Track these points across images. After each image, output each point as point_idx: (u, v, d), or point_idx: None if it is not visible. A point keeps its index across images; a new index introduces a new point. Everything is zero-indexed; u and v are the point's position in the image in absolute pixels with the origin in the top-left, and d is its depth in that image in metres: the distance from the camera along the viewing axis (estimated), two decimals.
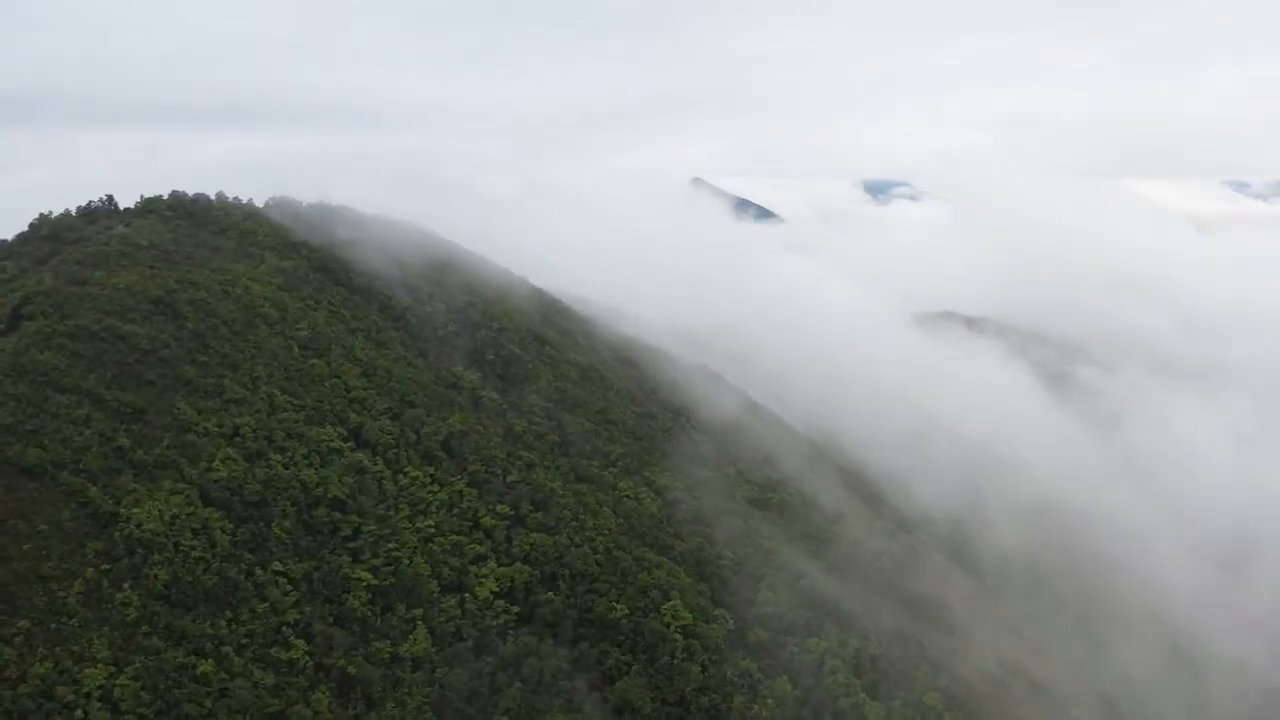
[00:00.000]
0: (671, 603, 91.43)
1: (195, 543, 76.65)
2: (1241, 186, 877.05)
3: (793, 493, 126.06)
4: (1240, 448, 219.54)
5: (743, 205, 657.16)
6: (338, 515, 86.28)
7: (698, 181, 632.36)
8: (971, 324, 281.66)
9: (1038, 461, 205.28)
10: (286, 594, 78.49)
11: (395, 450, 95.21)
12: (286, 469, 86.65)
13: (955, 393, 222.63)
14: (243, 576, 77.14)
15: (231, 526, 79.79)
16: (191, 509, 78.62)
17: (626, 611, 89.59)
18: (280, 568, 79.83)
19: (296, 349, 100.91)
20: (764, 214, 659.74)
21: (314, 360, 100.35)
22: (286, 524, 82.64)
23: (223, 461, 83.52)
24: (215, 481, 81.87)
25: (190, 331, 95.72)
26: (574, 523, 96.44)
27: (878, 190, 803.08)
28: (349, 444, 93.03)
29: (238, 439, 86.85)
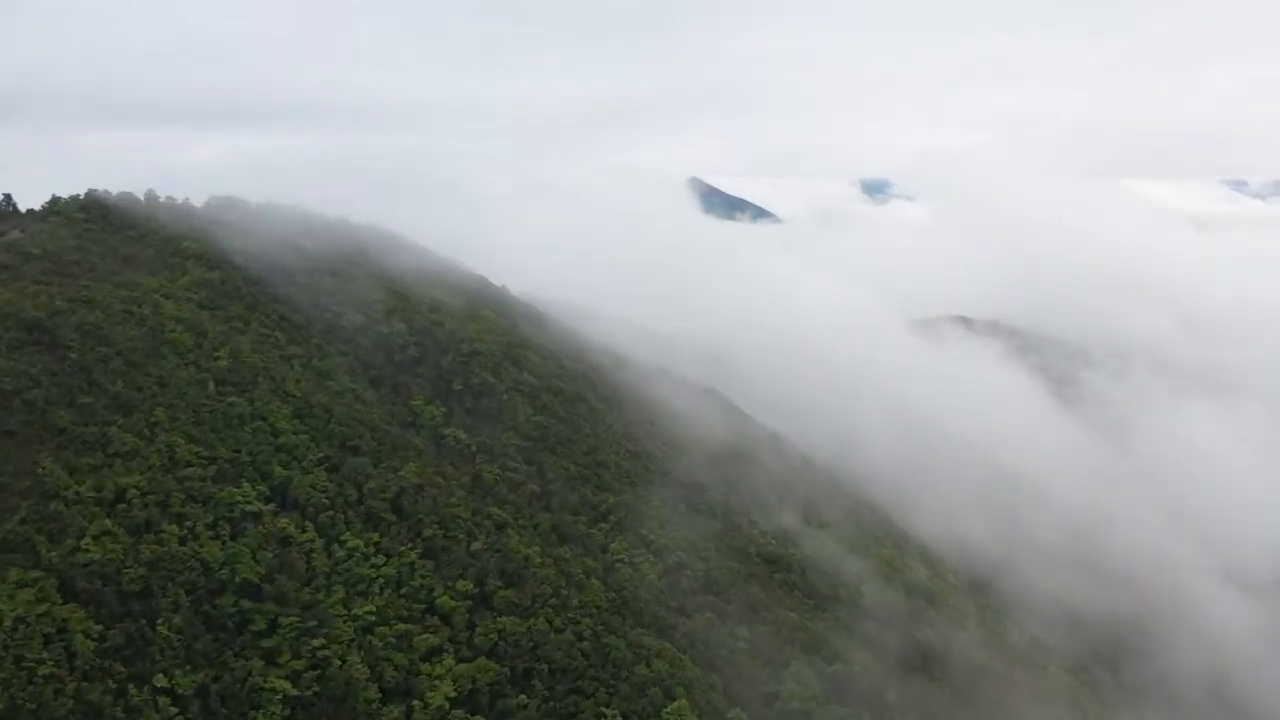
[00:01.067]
0: (676, 703, 72.70)
1: (46, 654, 57.67)
2: (1240, 186, 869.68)
3: (812, 544, 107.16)
4: (1260, 460, 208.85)
5: (740, 205, 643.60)
6: (248, 604, 67.24)
7: (695, 181, 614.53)
8: (975, 327, 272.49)
9: (1057, 482, 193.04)
10: (171, 719, 59.57)
11: (330, 513, 76.16)
12: (183, 544, 67.59)
13: (966, 403, 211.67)
14: (110, 698, 58.14)
15: (100, 628, 60.75)
16: (45, 606, 59.57)
17: (619, 717, 70.85)
18: (164, 682, 60.83)
19: (212, 384, 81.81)
20: (761, 213, 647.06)
21: (233, 398, 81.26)
22: (177, 620, 63.61)
23: (97, 539, 64.47)
24: (84, 566, 62.80)
25: (73, 365, 76.53)
26: (554, 600, 77.53)
27: (876, 190, 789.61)
28: (270, 506, 73.97)
29: (121, 506, 67.74)
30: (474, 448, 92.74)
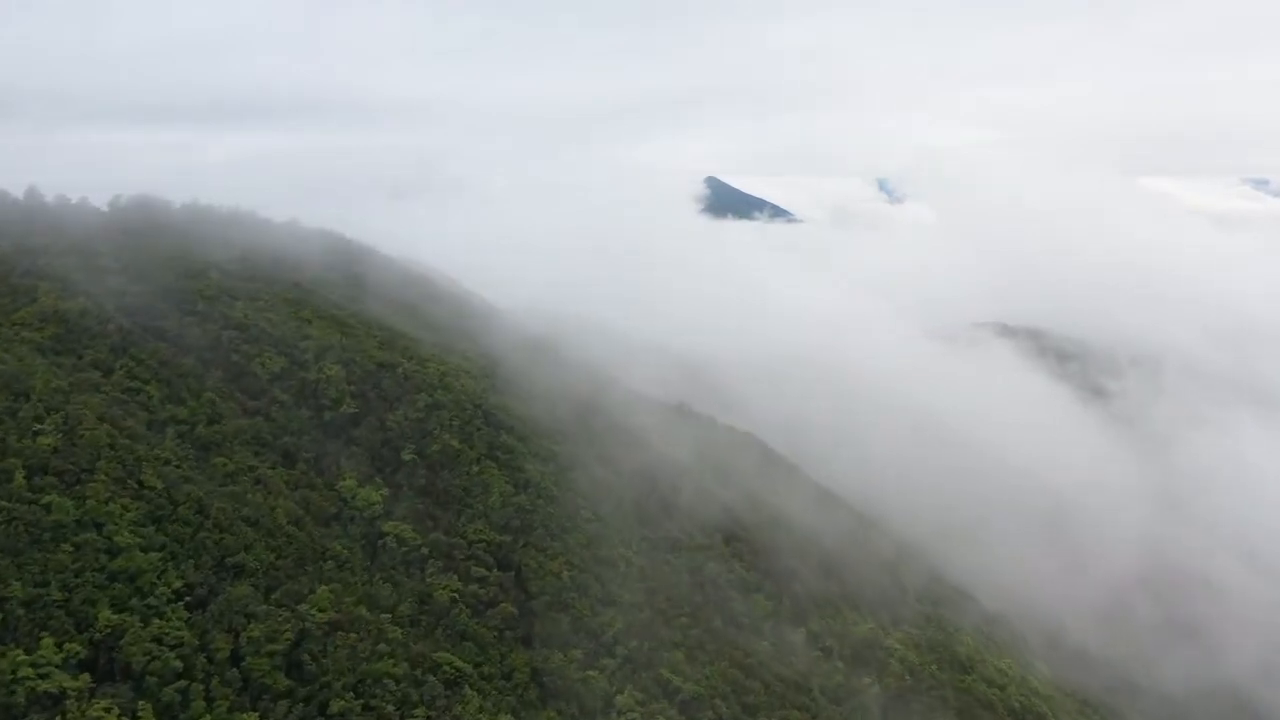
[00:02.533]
0: None
1: None
2: (1260, 184, 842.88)
3: (892, 666, 79.35)
4: None
5: (758, 204, 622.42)
6: None
7: (712, 180, 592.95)
8: (1003, 333, 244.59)
9: (1116, 515, 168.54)
10: None
11: (183, 684, 49.06)
12: None
13: (1003, 421, 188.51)
14: None
15: None
16: None
17: None
18: None
19: (20, 475, 54.79)
20: (779, 212, 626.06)
21: (52, 497, 54.25)
22: None
23: None
24: None
25: None
26: None
27: (894, 190, 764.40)
28: (80, 680, 46.96)
29: None
30: (425, 549, 65.52)
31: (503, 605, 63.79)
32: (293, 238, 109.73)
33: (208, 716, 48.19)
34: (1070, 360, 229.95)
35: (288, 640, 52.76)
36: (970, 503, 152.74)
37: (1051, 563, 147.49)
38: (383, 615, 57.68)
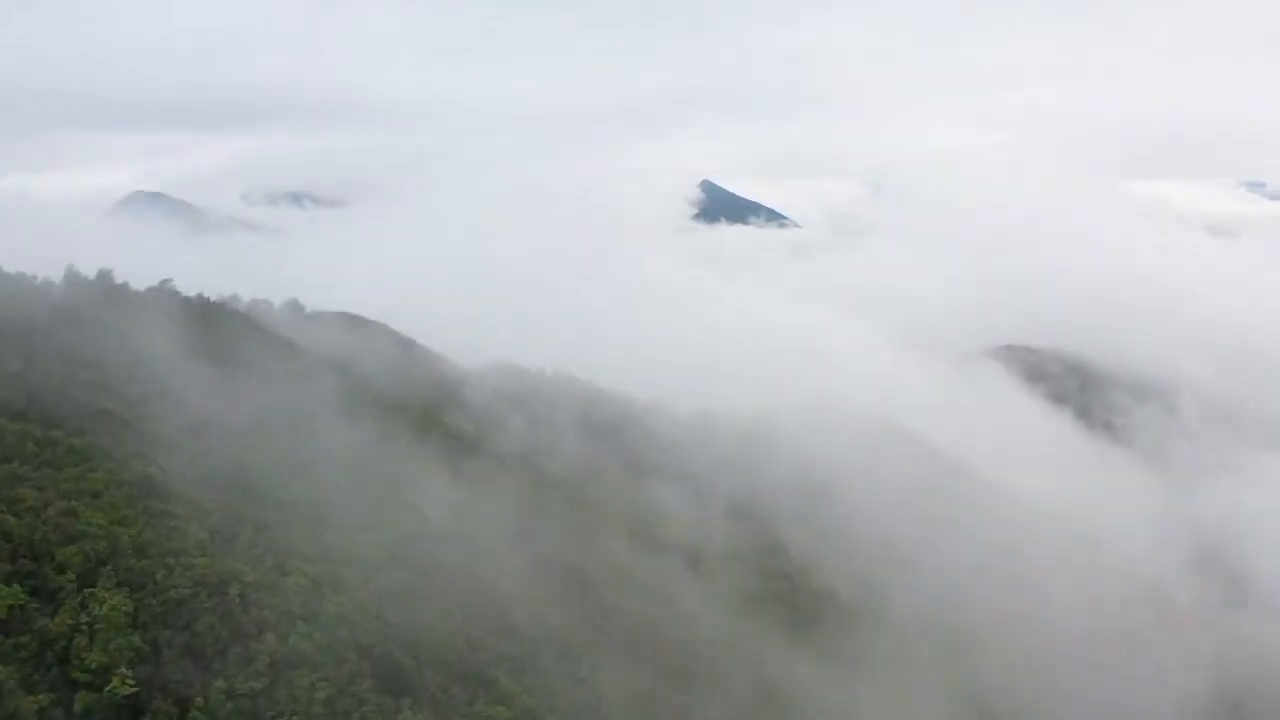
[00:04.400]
0: None
1: None
2: (1256, 186, 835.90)
3: None
4: None
5: (754, 209, 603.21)
6: None
7: (706, 184, 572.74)
8: (1003, 355, 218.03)
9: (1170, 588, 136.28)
10: None
11: None
12: None
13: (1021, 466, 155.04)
14: None
15: None
16: None
17: None
18: None
19: None
20: (775, 216, 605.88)
21: None
22: None
23: None
24: None
25: None
26: None
27: (891, 192, 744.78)
28: None
29: None
30: None
31: None
32: (144, 319, 77.13)
33: None
34: (1074, 384, 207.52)
35: None
36: (1002, 579, 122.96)
37: (1112, 659, 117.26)
38: None
